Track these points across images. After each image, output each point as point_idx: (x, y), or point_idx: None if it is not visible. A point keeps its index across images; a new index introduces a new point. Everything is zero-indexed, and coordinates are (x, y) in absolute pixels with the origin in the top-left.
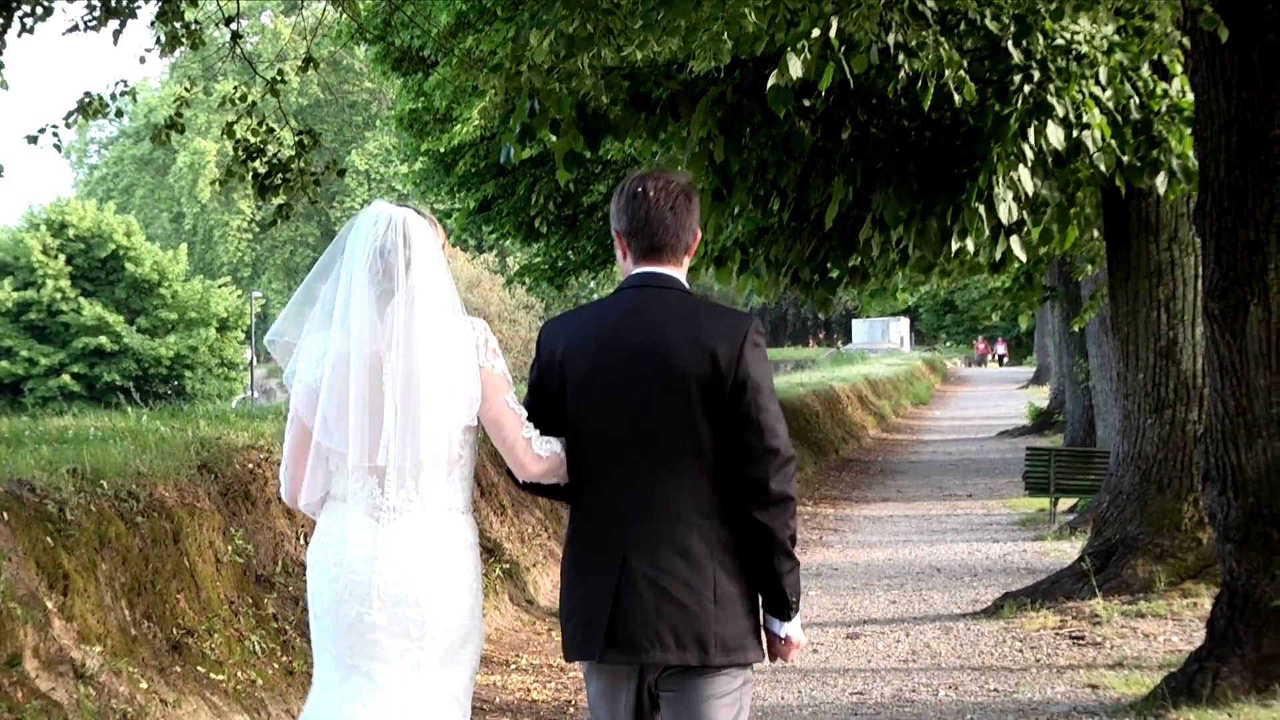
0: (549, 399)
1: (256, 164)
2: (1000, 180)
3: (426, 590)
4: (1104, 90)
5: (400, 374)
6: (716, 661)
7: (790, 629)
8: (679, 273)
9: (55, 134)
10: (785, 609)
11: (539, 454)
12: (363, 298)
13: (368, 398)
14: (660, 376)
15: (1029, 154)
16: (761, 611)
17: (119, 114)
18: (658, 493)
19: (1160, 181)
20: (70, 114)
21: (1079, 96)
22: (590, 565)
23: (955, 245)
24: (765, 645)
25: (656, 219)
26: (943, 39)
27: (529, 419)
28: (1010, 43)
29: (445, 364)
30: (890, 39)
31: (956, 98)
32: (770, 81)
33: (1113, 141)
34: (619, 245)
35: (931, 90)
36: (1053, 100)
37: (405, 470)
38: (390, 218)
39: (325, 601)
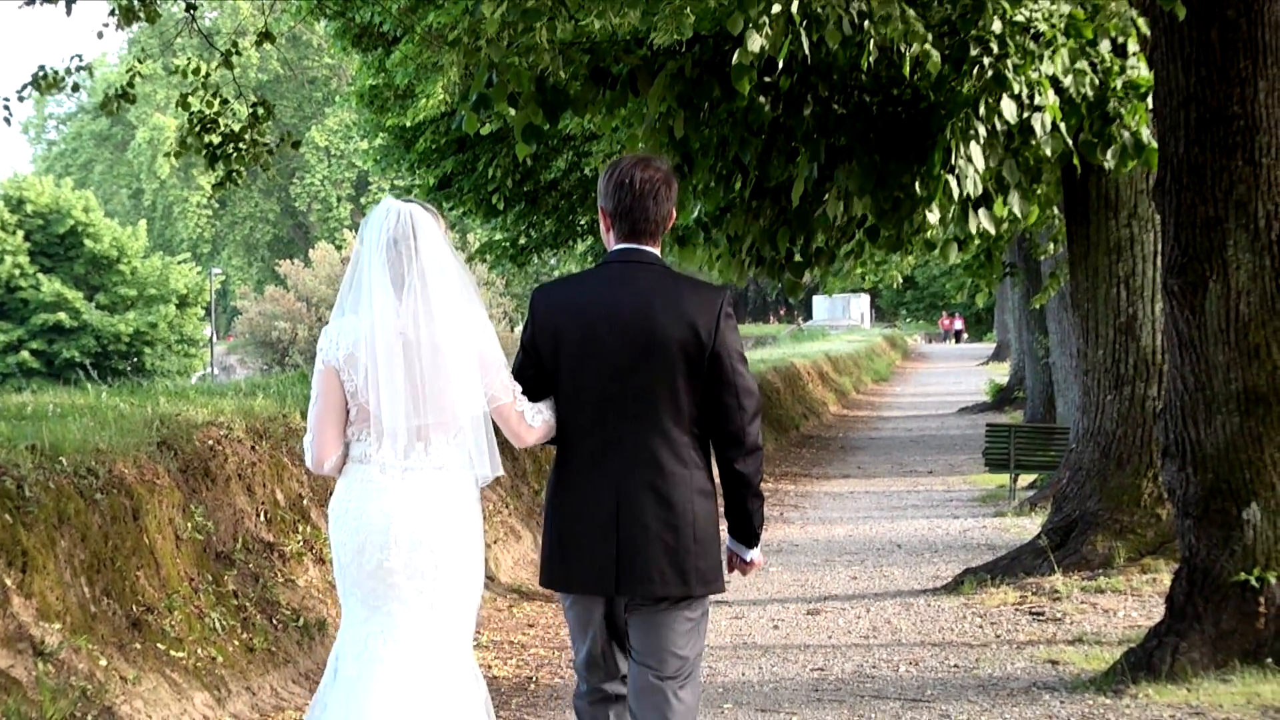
0: (540, 358)
1: (211, 135)
2: (957, 155)
3: (437, 537)
4: (1064, 73)
5: (425, 348)
6: (697, 592)
7: (754, 554)
8: (656, 248)
9: (6, 107)
10: (753, 538)
11: (532, 425)
12: (382, 283)
13: (397, 369)
14: (648, 343)
15: (981, 131)
16: (729, 540)
17: (75, 88)
18: (643, 445)
19: (1111, 156)
20: (24, 87)
21: (1035, 76)
22: (582, 509)
23: (931, 218)
24: (727, 566)
25: (640, 207)
26: (910, 10)
27: (519, 378)
28: (968, 17)
29: (461, 340)
30: (854, 8)
31: (922, 68)
32: (734, 59)
33: (1062, 125)
34: (604, 220)
35: (908, 59)
36: (1009, 75)
37: (420, 433)
38: (399, 211)
39: (349, 551)
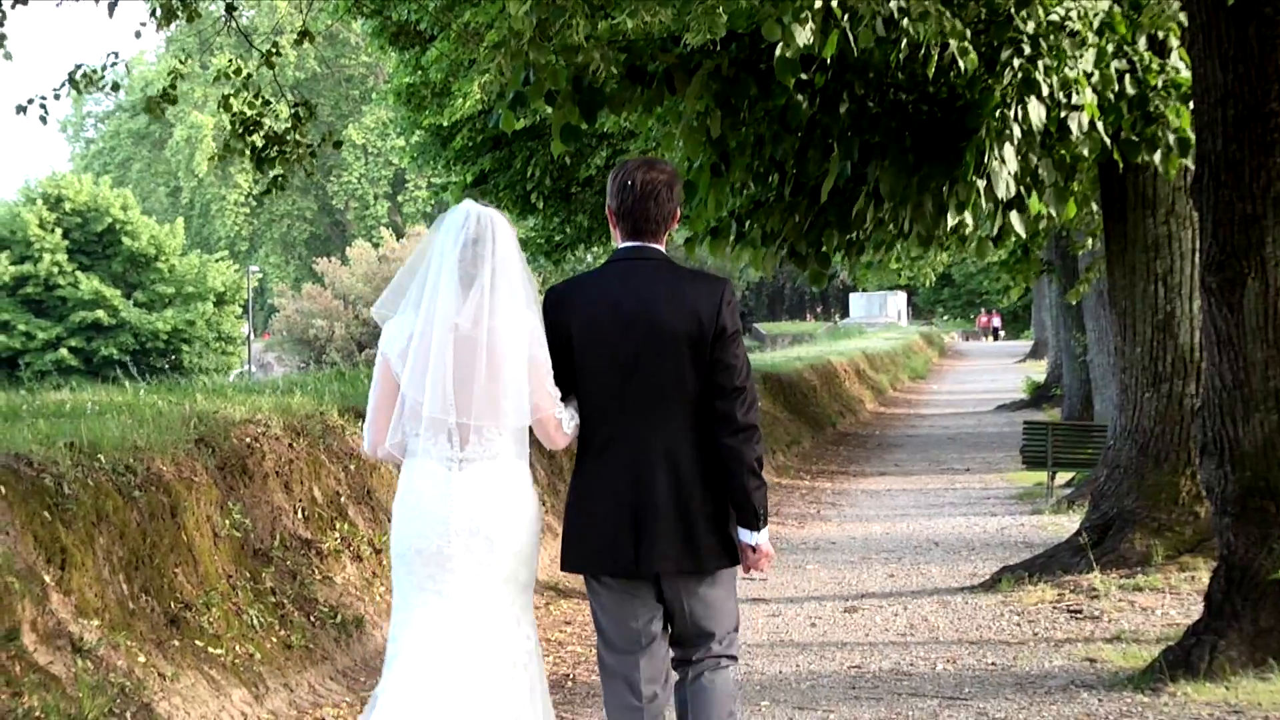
0: (555, 353)
1: (254, 137)
2: (991, 155)
3: (493, 524)
4: (1092, 70)
5: (483, 347)
6: (709, 567)
7: (759, 538)
8: (660, 245)
9: (43, 105)
10: (755, 520)
11: (566, 431)
12: (450, 281)
13: (450, 364)
14: (653, 334)
15: (1016, 131)
16: (734, 525)
17: (115, 87)
18: (659, 432)
19: (1158, 157)
20: (60, 85)
21: (1070, 75)
22: (601, 496)
23: (952, 220)
24: (743, 565)
25: (641, 209)
26: (944, 9)
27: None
28: (1013, 9)
29: (517, 343)
30: (893, 4)
31: (957, 67)
32: (777, 52)
33: (1100, 124)
34: (611, 220)
35: (935, 60)
36: (1039, 77)
37: (475, 426)
38: (480, 214)
39: (409, 538)
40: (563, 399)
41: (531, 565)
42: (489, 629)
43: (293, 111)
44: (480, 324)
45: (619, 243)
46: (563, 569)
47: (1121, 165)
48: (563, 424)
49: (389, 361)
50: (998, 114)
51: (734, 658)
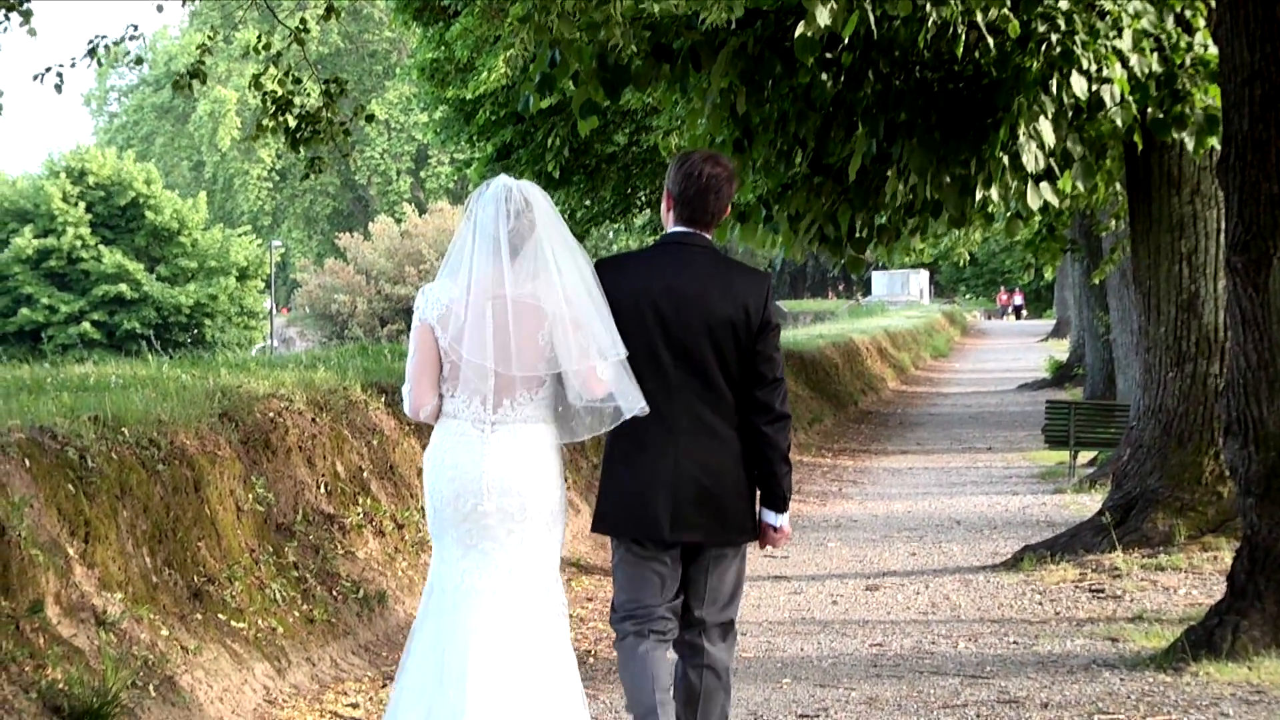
0: None
1: (288, 117)
2: (1023, 130)
3: (524, 482)
4: (1130, 50)
5: (532, 307)
6: (736, 542)
7: (782, 520)
8: (710, 234)
9: (59, 75)
10: (781, 503)
11: (601, 378)
12: (503, 248)
13: (505, 325)
14: (706, 319)
15: (1050, 106)
16: (761, 508)
17: (138, 61)
18: (698, 410)
19: (1187, 135)
20: (84, 55)
21: (1102, 50)
22: (641, 464)
23: (979, 195)
24: (759, 541)
25: (701, 200)
26: None
27: None
28: None
29: (569, 301)
30: None
31: (984, 45)
32: (798, 30)
33: (1130, 98)
34: (666, 201)
35: (963, 39)
36: (1077, 50)
37: (506, 389)
38: (519, 185)
39: (445, 497)
40: None
41: (563, 524)
42: (530, 584)
43: (324, 89)
44: (530, 287)
45: (670, 226)
46: (593, 529)
47: (1141, 145)
48: (597, 370)
49: (428, 325)
50: (1033, 91)
51: (734, 626)
